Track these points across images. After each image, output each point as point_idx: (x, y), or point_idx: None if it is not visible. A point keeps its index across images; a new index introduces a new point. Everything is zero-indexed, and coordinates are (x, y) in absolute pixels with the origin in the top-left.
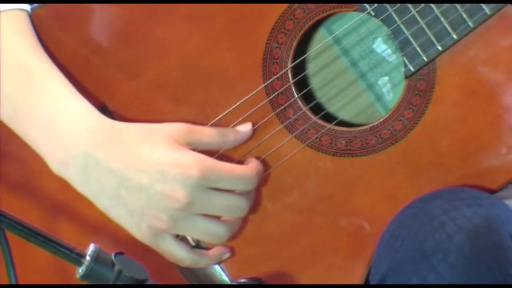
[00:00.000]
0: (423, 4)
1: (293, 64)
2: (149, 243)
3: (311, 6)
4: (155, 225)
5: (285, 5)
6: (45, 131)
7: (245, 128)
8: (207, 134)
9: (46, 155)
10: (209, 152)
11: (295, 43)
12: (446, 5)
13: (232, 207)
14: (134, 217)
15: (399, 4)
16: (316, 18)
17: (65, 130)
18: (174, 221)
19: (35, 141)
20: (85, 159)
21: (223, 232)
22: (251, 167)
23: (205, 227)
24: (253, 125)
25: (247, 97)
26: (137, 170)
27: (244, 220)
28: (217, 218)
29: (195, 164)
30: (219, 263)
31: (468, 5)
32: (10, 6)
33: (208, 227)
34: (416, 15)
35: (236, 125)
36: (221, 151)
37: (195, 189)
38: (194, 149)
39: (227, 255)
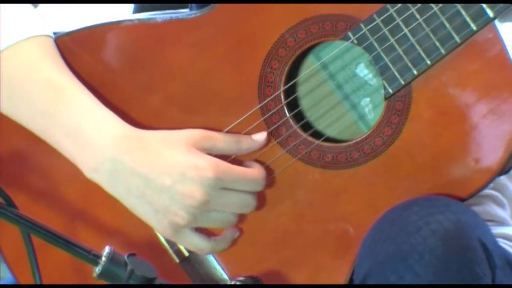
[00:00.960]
0: (401, 33)
1: (285, 87)
2: (171, 237)
3: (301, 35)
4: (176, 221)
5: (278, 35)
6: (76, 141)
7: (260, 136)
8: (222, 140)
9: (78, 163)
10: (224, 156)
11: (286, 69)
12: (421, 34)
13: (242, 204)
14: (158, 215)
15: (379, 33)
16: (305, 46)
17: (94, 139)
18: (193, 217)
19: (68, 151)
20: (113, 164)
21: (231, 219)
22: (259, 170)
23: (217, 218)
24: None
25: (245, 116)
26: (160, 172)
27: (244, 226)
28: None
29: (210, 167)
30: (220, 264)
31: (441, 34)
32: (38, 32)
33: (220, 217)
34: (394, 43)
35: None
36: (233, 156)
37: (211, 189)
38: (210, 154)
39: (236, 233)
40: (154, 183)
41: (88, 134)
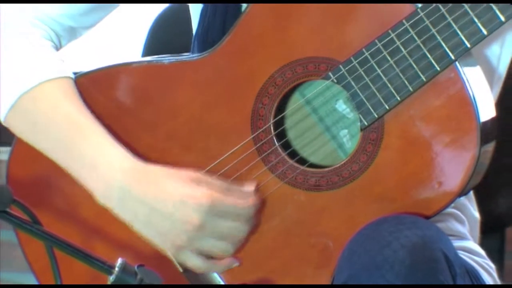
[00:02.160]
0: (374, 74)
1: (274, 120)
2: (173, 256)
3: (288, 75)
4: (177, 243)
5: (268, 75)
6: (91, 172)
7: (248, 188)
8: (217, 182)
9: (92, 190)
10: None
11: (275, 104)
12: (392, 74)
13: (234, 230)
14: (162, 237)
15: (356, 73)
16: (291, 85)
17: (106, 171)
18: (191, 240)
19: (84, 179)
20: (122, 193)
21: (228, 248)
22: (251, 200)
23: (214, 245)
24: (242, 167)
25: (239, 145)
26: (163, 201)
27: None
28: None
29: (206, 196)
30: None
31: (409, 74)
32: (59, 74)
33: (217, 245)
34: (369, 82)
35: (230, 167)
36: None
37: (206, 215)
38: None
39: (235, 264)
40: (158, 210)
41: (101, 166)
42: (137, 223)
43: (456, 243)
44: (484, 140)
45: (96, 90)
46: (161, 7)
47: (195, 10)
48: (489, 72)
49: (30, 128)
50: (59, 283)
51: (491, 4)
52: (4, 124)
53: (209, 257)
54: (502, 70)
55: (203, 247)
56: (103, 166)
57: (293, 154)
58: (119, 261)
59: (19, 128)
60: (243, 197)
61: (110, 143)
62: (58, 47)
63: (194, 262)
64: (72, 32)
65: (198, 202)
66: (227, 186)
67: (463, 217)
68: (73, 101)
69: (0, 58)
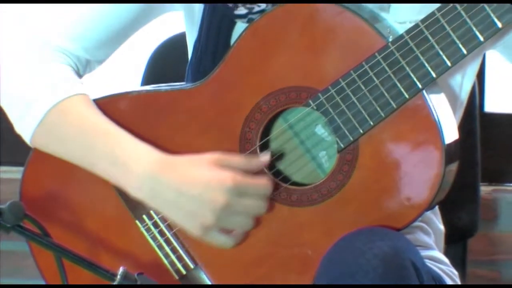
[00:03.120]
0: (349, 101)
1: (260, 143)
2: (201, 236)
3: (273, 103)
4: (205, 223)
5: (255, 102)
6: (122, 169)
7: (265, 157)
8: (236, 160)
9: (124, 185)
10: None
11: (261, 129)
12: (366, 101)
13: (255, 206)
14: (190, 218)
15: (333, 101)
16: (276, 111)
17: (136, 165)
18: (218, 219)
19: (115, 177)
20: (152, 183)
21: (249, 223)
22: (266, 179)
23: (239, 221)
24: None
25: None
26: (189, 185)
27: (232, 248)
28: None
29: (230, 177)
30: (210, 280)
31: (381, 101)
32: (81, 91)
33: (241, 221)
34: (345, 108)
35: None
36: None
37: (230, 195)
38: None
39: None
40: (185, 194)
41: (130, 162)
42: (167, 208)
43: (423, 253)
44: (448, 161)
45: (103, 113)
46: (160, 39)
47: (190, 42)
48: (453, 98)
49: (58, 140)
50: None
51: (455, 38)
52: (31, 144)
53: (230, 232)
54: (464, 97)
55: (228, 224)
56: (133, 162)
57: (277, 174)
58: (121, 269)
59: (48, 142)
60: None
61: (136, 142)
62: (79, 76)
63: (221, 239)
64: (88, 65)
65: (223, 183)
66: (247, 160)
67: (429, 229)
68: (96, 113)
69: (24, 84)
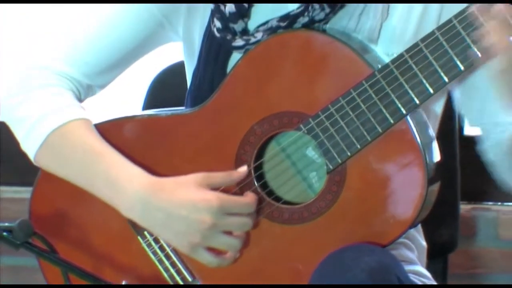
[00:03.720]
0: (338, 125)
1: (254, 165)
2: (189, 253)
3: (266, 127)
4: (193, 242)
5: (249, 127)
6: (115, 190)
7: (242, 168)
8: (219, 176)
9: (118, 206)
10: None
11: (255, 151)
12: (353, 126)
13: (240, 223)
14: (179, 237)
15: (323, 126)
16: (269, 135)
17: (128, 187)
18: (204, 238)
19: (109, 197)
20: (142, 204)
21: (237, 243)
22: (251, 198)
23: (225, 240)
24: None
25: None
26: (178, 206)
27: None
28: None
29: (215, 198)
30: None
31: (368, 126)
32: (82, 116)
33: (227, 240)
34: (334, 133)
35: None
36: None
37: (216, 215)
38: (213, 189)
39: (237, 255)
40: (174, 215)
41: (123, 184)
42: (157, 228)
43: (407, 267)
44: (430, 181)
45: (106, 136)
46: (161, 66)
47: (189, 70)
48: (435, 123)
49: (59, 161)
50: None
51: (437, 67)
52: (34, 161)
53: (218, 253)
54: (438, 110)
55: (215, 243)
56: (125, 184)
57: (270, 193)
58: (123, 282)
59: (49, 162)
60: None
61: (128, 165)
62: (80, 101)
63: (207, 258)
64: (89, 90)
65: (209, 204)
66: (229, 173)
67: (412, 245)
68: (94, 136)
69: (29, 107)
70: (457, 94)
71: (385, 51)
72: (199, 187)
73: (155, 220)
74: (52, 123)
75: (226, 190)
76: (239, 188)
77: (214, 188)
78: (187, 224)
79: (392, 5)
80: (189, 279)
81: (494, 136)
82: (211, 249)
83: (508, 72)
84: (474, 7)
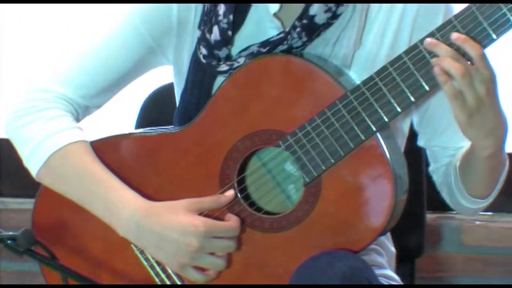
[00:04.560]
0: (314, 142)
1: (237, 179)
2: (178, 271)
3: (248, 144)
4: (181, 262)
5: (232, 144)
6: (112, 212)
7: (229, 192)
8: (206, 201)
9: (115, 226)
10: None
11: (238, 166)
12: (328, 142)
13: (225, 246)
14: (169, 258)
15: (300, 142)
16: (251, 151)
17: (124, 211)
18: (192, 259)
19: (107, 217)
20: (137, 227)
21: (221, 263)
22: (234, 222)
23: (211, 261)
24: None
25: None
26: (168, 229)
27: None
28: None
29: (202, 224)
30: None
31: (341, 142)
32: (80, 138)
33: (212, 261)
34: (310, 148)
35: (204, 215)
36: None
37: (203, 239)
38: (201, 213)
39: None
40: (165, 238)
41: (119, 208)
42: (150, 248)
43: (378, 271)
44: (398, 193)
45: (102, 154)
46: (152, 87)
47: (178, 92)
48: (403, 140)
49: (60, 180)
50: None
51: (404, 88)
52: (36, 179)
53: (204, 270)
54: (405, 128)
55: (201, 263)
56: (121, 208)
57: (252, 204)
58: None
59: (50, 181)
60: (229, 218)
61: (124, 188)
62: (78, 120)
63: (194, 276)
64: (86, 110)
65: (196, 229)
66: (216, 197)
67: (382, 251)
68: (92, 159)
69: (33, 129)
70: (414, 117)
71: (358, 77)
72: (189, 212)
73: (148, 241)
74: (53, 145)
75: (207, 215)
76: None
77: (204, 211)
78: (177, 247)
79: (365, 33)
80: (179, 283)
81: (443, 159)
82: (198, 268)
83: (457, 98)
84: (436, 31)
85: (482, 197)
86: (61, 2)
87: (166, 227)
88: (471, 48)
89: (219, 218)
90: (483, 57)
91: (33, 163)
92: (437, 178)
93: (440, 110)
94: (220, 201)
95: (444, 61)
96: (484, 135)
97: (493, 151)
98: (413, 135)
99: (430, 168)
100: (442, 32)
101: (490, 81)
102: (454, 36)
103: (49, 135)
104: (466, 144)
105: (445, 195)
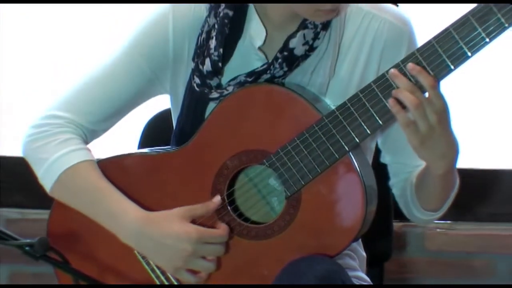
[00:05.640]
0: (294, 160)
1: (227, 193)
2: (173, 273)
3: (236, 162)
4: (176, 265)
5: (223, 162)
6: (115, 222)
7: (217, 198)
8: (198, 207)
9: (117, 234)
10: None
11: (228, 181)
12: (306, 160)
13: (214, 251)
14: (165, 262)
15: (282, 160)
16: (239, 168)
17: (125, 220)
18: (185, 262)
19: (111, 226)
20: (137, 235)
21: (211, 266)
22: (223, 230)
23: (202, 264)
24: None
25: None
26: (164, 236)
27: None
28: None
29: (194, 231)
30: None
31: (318, 160)
32: (88, 158)
33: (204, 264)
34: (291, 166)
35: (198, 224)
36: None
37: (195, 245)
38: (193, 220)
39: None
40: (162, 244)
41: (121, 217)
42: (149, 253)
43: (350, 273)
44: (368, 204)
45: (108, 171)
46: (152, 112)
47: (175, 116)
48: (371, 156)
49: (70, 194)
50: None
51: (373, 113)
52: (50, 194)
53: (197, 272)
54: (372, 146)
55: (194, 266)
56: (123, 218)
57: (240, 215)
58: None
59: (61, 195)
60: (219, 226)
61: (126, 201)
62: (86, 143)
63: (187, 278)
64: (94, 133)
65: (189, 235)
66: (205, 204)
67: (355, 255)
68: (98, 175)
69: (46, 150)
70: (379, 137)
71: (333, 103)
72: (182, 220)
73: (146, 247)
74: (64, 164)
75: (200, 224)
76: (215, 212)
77: (195, 219)
78: (172, 252)
79: (338, 64)
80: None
81: (402, 175)
82: (191, 270)
83: (409, 127)
84: (401, 62)
85: (434, 210)
86: (61, 2)
87: (162, 234)
88: (424, 79)
89: (211, 226)
90: (436, 88)
91: (46, 180)
92: (396, 191)
93: (398, 133)
94: (209, 207)
95: (401, 93)
96: (436, 157)
97: (445, 171)
98: (379, 152)
99: (390, 182)
100: (405, 63)
101: (442, 111)
102: (409, 67)
103: (60, 156)
104: (423, 163)
105: (402, 206)
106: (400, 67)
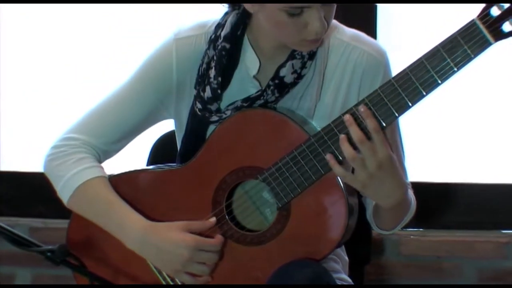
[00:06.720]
0: (285, 176)
1: (225, 204)
2: (173, 276)
3: (234, 177)
4: (175, 268)
5: (222, 177)
6: (123, 231)
7: (213, 219)
8: (196, 223)
9: (124, 241)
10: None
11: (226, 194)
12: (295, 176)
13: (210, 257)
14: (166, 265)
15: (274, 175)
16: (236, 183)
17: (132, 230)
18: (184, 266)
19: (118, 235)
20: (140, 241)
21: (207, 270)
22: (218, 240)
23: (199, 268)
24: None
25: (205, 219)
26: (165, 243)
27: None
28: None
29: (192, 239)
30: None
31: (306, 176)
32: (100, 174)
33: (200, 268)
34: (282, 181)
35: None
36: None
37: (192, 252)
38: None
39: (209, 279)
40: (162, 250)
41: (127, 227)
42: (151, 258)
43: (335, 275)
44: (350, 214)
45: (118, 186)
46: (159, 134)
47: (179, 138)
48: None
49: (84, 206)
50: None
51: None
52: (67, 206)
53: (194, 276)
54: None
55: (191, 270)
56: (129, 227)
57: (237, 224)
58: None
59: (77, 207)
60: (215, 237)
61: (132, 212)
62: (100, 162)
63: (186, 279)
64: (107, 154)
65: (187, 243)
66: (203, 222)
67: (338, 259)
68: (108, 190)
69: (63, 168)
70: None
71: (319, 125)
72: (182, 231)
73: (149, 253)
74: (79, 180)
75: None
76: (216, 220)
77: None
78: (172, 257)
79: (323, 90)
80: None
81: (369, 200)
82: (190, 273)
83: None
84: (366, 98)
85: (387, 230)
86: (61, 2)
87: (163, 241)
88: (370, 122)
89: (210, 235)
90: (379, 133)
91: (64, 195)
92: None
93: None
94: (205, 225)
95: (342, 145)
96: (380, 197)
97: (392, 206)
98: None
99: (362, 198)
100: (369, 99)
101: (384, 159)
102: (361, 108)
103: (75, 173)
104: None
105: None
106: (365, 101)
